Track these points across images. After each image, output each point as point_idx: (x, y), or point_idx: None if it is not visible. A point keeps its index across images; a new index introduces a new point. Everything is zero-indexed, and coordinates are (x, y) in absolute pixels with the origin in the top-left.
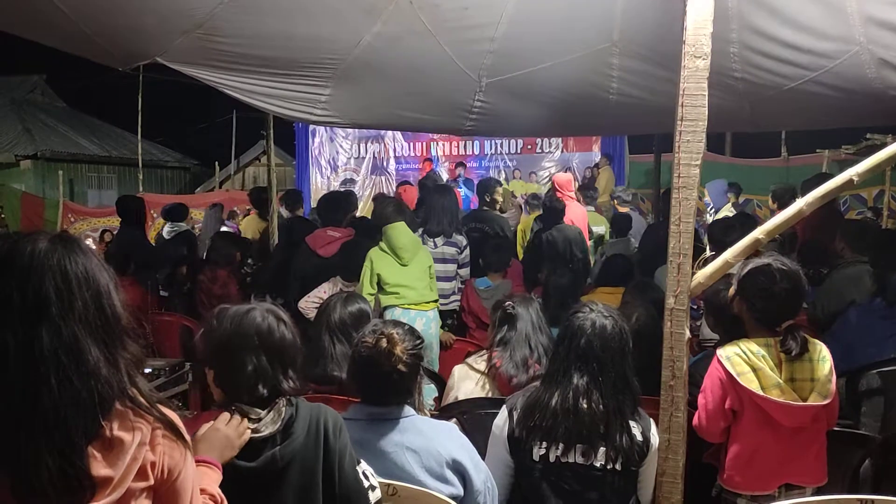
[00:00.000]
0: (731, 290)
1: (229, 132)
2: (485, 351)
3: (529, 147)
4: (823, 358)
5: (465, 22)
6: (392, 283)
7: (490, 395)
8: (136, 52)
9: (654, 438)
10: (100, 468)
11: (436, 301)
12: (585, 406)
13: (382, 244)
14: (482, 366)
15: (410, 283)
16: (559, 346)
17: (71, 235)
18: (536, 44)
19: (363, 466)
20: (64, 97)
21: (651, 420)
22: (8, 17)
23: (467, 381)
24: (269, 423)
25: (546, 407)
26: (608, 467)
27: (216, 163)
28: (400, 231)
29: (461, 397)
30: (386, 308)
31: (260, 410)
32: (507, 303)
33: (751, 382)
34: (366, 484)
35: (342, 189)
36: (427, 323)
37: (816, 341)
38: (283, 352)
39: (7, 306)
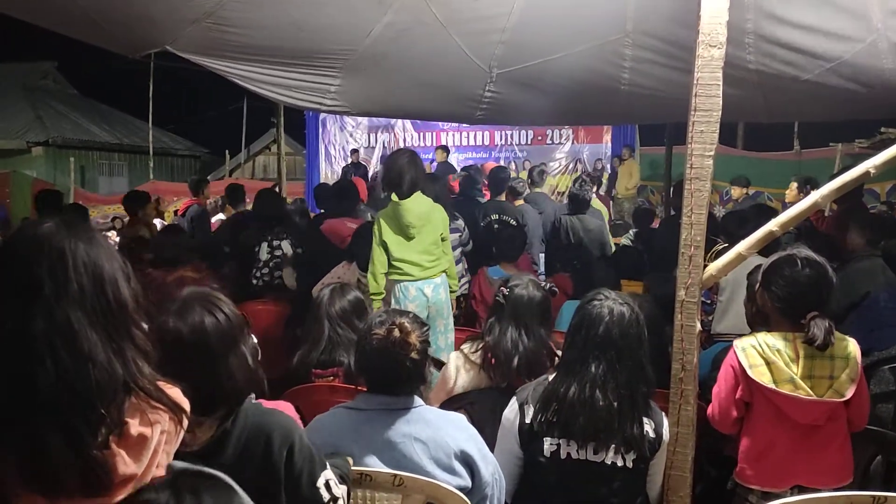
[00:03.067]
0: (757, 284)
1: (240, 120)
2: (480, 340)
3: (540, 138)
4: (848, 356)
5: (476, 13)
6: (396, 257)
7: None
8: (146, 41)
9: (666, 434)
10: (125, 467)
11: (443, 270)
12: (601, 398)
13: (389, 211)
14: (478, 357)
15: (414, 260)
16: (575, 335)
17: (79, 220)
18: (548, 35)
19: (327, 475)
20: (75, 84)
21: (663, 415)
22: (20, 3)
23: (463, 374)
24: (197, 438)
25: (563, 399)
26: (619, 464)
27: (226, 151)
28: (408, 209)
29: (457, 391)
30: (396, 282)
31: (201, 419)
32: (502, 287)
33: (762, 375)
34: (326, 497)
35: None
36: (436, 289)
37: (846, 338)
38: (208, 357)
39: (3, 287)
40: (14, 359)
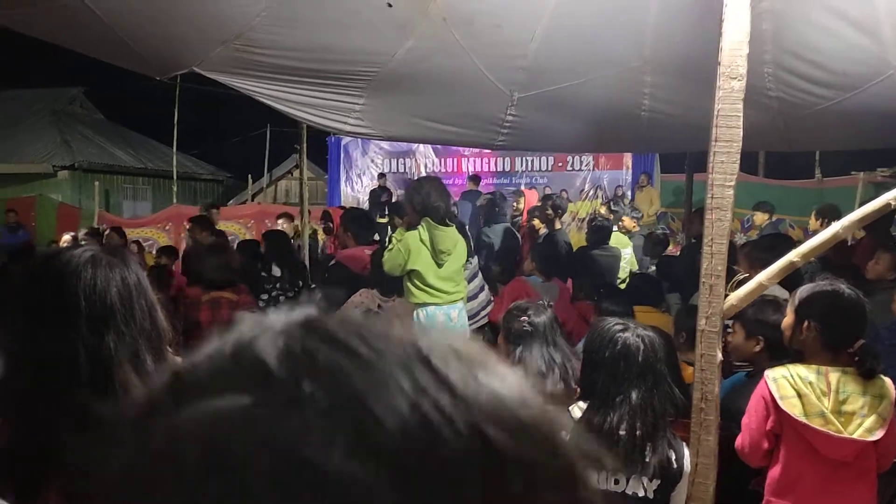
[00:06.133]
0: (789, 319)
1: (263, 146)
2: None
3: (560, 165)
4: (882, 395)
5: (498, 38)
6: (427, 282)
7: None
8: (174, 62)
9: (688, 464)
10: None
11: (464, 296)
12: (639, 426)
13: (423, 235)
14: None
15: (444, 287)
16: (612, 366)
17: (120, 247)
18: (568, 61)
19: None
20: (102, 109)
21: (684, 444)
22: (47, 25)
23: None
24: None
25: (599, 431)
26: (640, 495)
27: (249, 176)
28: (447, 235)
29: None
30: (417, 307)
31: None
32: (523, 318)
33: (793, 407)
34: None
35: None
36: (461, 313)
37: (881, 376)
38: None
39: (75, 315)
40: (87, 385)
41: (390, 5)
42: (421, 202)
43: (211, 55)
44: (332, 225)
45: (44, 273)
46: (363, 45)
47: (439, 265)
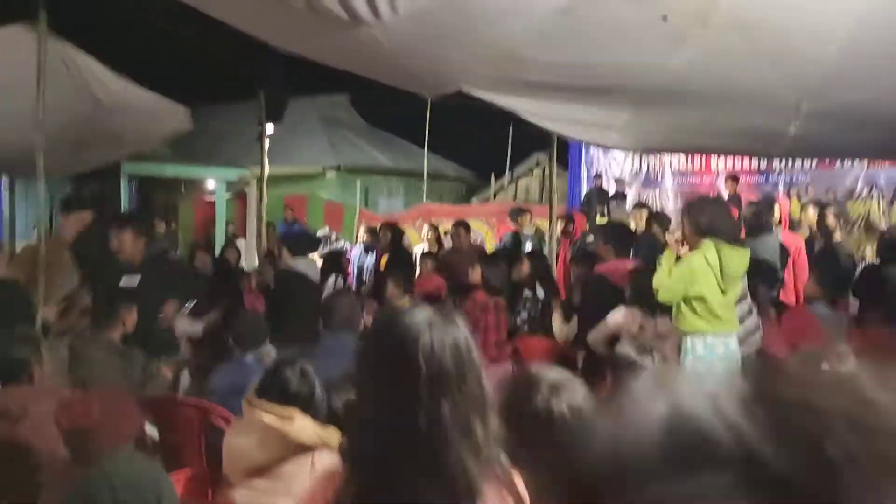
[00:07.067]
0: None
1: (505, 145)
2: None
3: (827, 162)
4: None
5: (785, 45)
6: (712, 309)
7: None
8: (443, 81)
9: None
10: None
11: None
12: None
13: (710, 257)
14: None
15: (727, 315)
16: None
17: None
18: (867, 72)
19: None
20: (362, 114)
21: None
22: (336, 55)
23: None
24: None
25: None
26: None
27: (493, 174)
28: (741, 258)
29: None
30: (691, 335)
31: None
32: None
33: None
34: None
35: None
36: (735, 344)
37: None
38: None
39: (416, 378)
40: (426, 445)
41: (665, 18)
42: (708, 223)
43: (478, 74)
44: (572, 228)
45: (386, 333)
46: (632, 60)
47: (724, 291)
